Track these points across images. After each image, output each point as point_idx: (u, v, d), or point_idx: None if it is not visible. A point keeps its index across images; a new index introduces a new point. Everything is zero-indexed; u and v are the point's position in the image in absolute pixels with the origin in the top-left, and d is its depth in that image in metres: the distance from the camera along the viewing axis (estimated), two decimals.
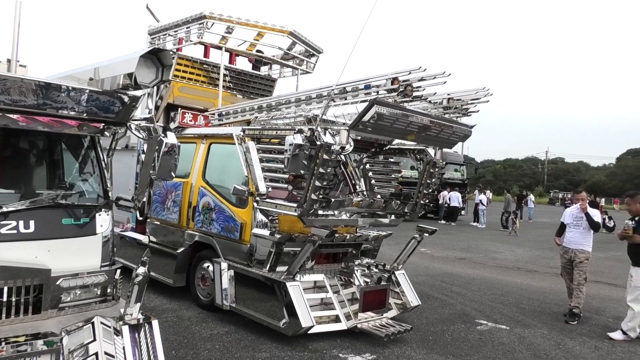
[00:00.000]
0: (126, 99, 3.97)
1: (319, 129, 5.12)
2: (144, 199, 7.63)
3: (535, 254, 15.31)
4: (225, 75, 8.41)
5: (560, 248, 7.86)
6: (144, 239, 7.64)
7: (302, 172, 5.22)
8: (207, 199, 6.65)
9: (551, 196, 70.98)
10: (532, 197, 33.08)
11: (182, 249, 6.93)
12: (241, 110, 6.72)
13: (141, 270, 3.99)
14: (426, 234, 6.65)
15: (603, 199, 44.67)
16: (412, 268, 10.55)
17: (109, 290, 4.23)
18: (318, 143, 5.05)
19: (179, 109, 7.92)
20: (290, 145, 5.03)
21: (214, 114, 7.26)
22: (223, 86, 8.39)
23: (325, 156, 5.02)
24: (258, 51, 8.83)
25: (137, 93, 3.89)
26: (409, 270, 10.04)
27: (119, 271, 4.39)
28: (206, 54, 8.46)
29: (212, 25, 7.03)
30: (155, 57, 3.68)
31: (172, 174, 4.34)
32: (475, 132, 6.22)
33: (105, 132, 4.24)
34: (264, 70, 9.11)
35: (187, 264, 6.95)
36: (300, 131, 5.16)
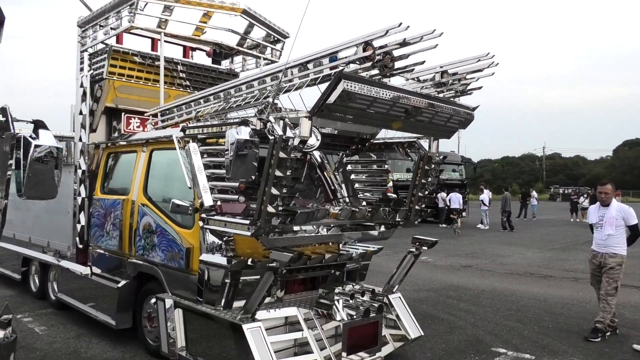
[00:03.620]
0: None
1: (271, 118, 3.84)
2: (84, 225, 6.32)
3: (547, 256, 13.98)
4: (180, 71, 7.15)
5: (589, 252, 6.56)
6: (84, 270, 6.31)
7: (252, 177, 3.93)
8: (147, 219, 5.33)
9: (552, 192, 69.80)
10: (535, 194, 31.80)
11: (124, 282, 5.60)
12: (186, 106, 5.43)
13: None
14: (425, 247, 5.36)
15: None
16: (412, 282, 9.24)
17: None
18: (271, 138, 3.77)
19: (123, 114, 6.64)
20: (233, 143, 3.74)
21: (155, 114, 5.95)
22: (177, 84, 7.13)
23: (281, 154, 3.73)
24: (217, 45, 7.56)
25: None
26: (409, 284, 8.74)
27: None
28: (154, 47, 7.18)
29: (145, 5, 5.76)
30: None
31: (54, 191, 3.05)
32: (470, 132, 5.03)
33: None
34: (225, 64, 7.83)
35: (131, 301, 5.62)
36: (246, 123, 3.88)
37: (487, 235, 19.69)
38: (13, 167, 2.83)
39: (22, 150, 2.84)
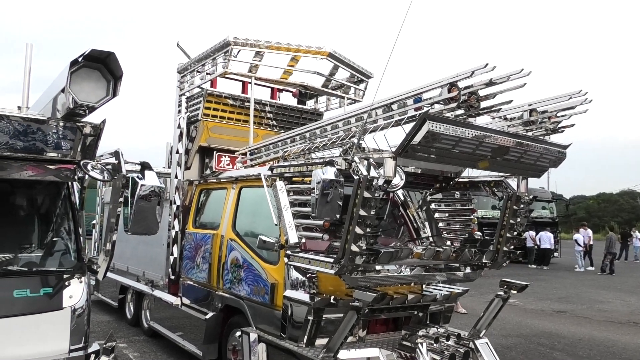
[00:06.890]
0: (87, 129, 3.03)
1: (356, 158, 3.92)
2: (177, 257, 6.69)
3: None
4: (268, 112, 7.50)
5: None
6: (175, 300, 6.65)
7: (337, 216, 4.00)
8: (235, 253, 5.56)
9: None
10: (638, 234, 29.21)
11: (211, 314, 5.84)
12: (273, 146, 5.68)
13: None
14: (514, 291, 5.11)
15: None
16: (500, 326, 8.77)
17: None
18: (355, 177, 3.84)
19: (215, 152, 7.05)
20: (319, 183, 3.85)
21: (245, 153, 6.27)
22: (265, 124, 7.47)
23: (366, 194, 3.78)
24: (302, 86, 7.87)
25: (95, 120, 2.94)
26: (496, 328, 8.33)
27: (93, 357, 3.32)
28: (244, 90, 7.62)
29: (238, 52, 6.16)
30: (103, 66, 2.70)
31: (156, 227, 3.30)
32: (561, 168, 4.74)
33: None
34: (309, 104, 8.12)
35: (218, 332, 5.83)
36: (332, 163, 3.98)
37: (582, 278, 18.30)
38: (122, 204, 3.12)
39: (130, 189, 3.11)
